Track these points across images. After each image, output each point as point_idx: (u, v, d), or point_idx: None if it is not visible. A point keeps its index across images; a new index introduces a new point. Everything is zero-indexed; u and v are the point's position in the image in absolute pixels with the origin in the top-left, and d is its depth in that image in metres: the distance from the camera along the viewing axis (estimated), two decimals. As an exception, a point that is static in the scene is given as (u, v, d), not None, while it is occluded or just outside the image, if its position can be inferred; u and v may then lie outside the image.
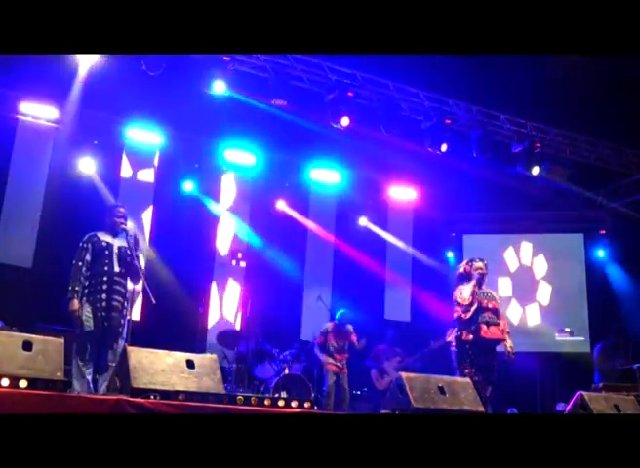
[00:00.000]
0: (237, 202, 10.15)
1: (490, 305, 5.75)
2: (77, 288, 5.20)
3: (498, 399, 8.92)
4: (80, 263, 5.27)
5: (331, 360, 7.77)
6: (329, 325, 8.00)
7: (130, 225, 5.59)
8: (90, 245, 5.34)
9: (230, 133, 9.53)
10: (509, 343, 5.73)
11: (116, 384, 5.41)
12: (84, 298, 5.22)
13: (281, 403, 4.00)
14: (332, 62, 8.16)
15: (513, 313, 11.15)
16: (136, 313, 7.95)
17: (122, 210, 5.60)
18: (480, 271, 5.90)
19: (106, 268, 5.28)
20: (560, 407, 8.33)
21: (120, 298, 5.30)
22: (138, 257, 5.45)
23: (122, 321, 5.30)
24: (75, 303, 5.15)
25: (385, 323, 10.31)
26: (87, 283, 5.26)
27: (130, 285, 5.48)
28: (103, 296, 5.21)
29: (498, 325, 5.74)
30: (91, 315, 5.18)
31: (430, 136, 8.77)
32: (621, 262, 10.87)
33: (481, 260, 5.99)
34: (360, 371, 8.68)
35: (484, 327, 5.70)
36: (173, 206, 9.31)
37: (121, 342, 5.21)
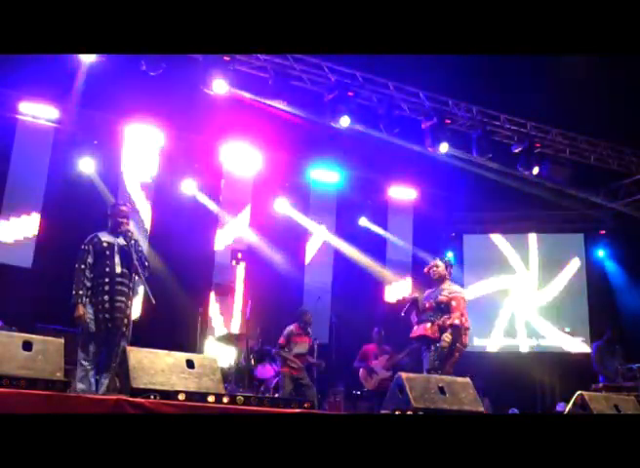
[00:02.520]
0: (237, 202, 10.15)
1: (427, 305, 5.83)
2: (81, 292, 5.15)
3: (498, 399, 8.98)
4: (83, 266, 5.24)
5: (289, 363, 7.53)
6: (294, 326, 7.81)
7: (132, 227, 5.55)
8: (91, 246, 5.31)
9: (230, 132, 9.53)
10: (443, 336, 5.64)
11: (116, 384, 5.40)
12: (87, 300, 5.20)
13: (281, 403, 4.00)
14: (332, 62, 8.16)
15: (513, 313, 11.17)
16: (136, 313, 7.95)
17: (124, 209, 5.55)
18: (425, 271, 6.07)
19: (108, 269, 5.25)
20: (560, 407, 8.32)
21: (123, 298, 5.27)
22: (141, 252, 5.43)
23: (126, 320, 5.29)
24: (80, 308, 5.11)
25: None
26: (90, 284, 5.24)
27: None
28: (106, 298, 5.18)
29: (430, 322, 5.73)
30: (93, 317, 5.15)
31: (430, 136, 8.77)
32: (621, 262, 10.88)
33: (433, 259, 6.16)
34: (352, 374, 8.66)
35: (415, 327, 5.87)
36: (173, 206, 9.31)
37: (123, 342, 5.19)
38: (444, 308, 5.76)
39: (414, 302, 5.95)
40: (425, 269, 6.08)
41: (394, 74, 8.48)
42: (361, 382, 8.54)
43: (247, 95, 8.12)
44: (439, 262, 6.00)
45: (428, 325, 5.73)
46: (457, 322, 5.65)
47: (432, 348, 5.69)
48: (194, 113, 8.48)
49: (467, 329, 5.80)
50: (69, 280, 5.25)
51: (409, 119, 8.89)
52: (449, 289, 5.84)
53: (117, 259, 5.30)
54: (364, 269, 10.42)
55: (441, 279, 5.92)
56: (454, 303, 5.73)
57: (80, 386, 4.98)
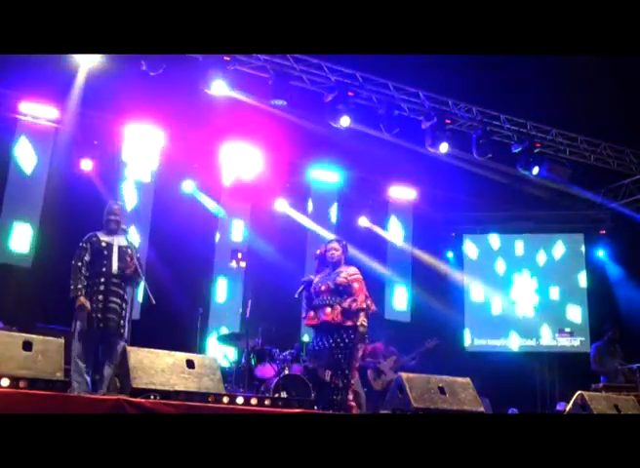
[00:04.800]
0: (237, 202, 10.15)
1: (323, 288, 5.32)
2: (79, 285, 5.17)
3: (498, 399, 8.97)
4: (80, 263, 5.25)
5: None
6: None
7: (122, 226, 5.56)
8: (89, 245, 5.33)
9: (230, 132, 9.52)
10: (360, 321, 5.16)
11: (116, 384, 5.41)
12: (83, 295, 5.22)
13: (281, 403, 4.01)
14: (332, 62, 8.16)
15: (513, 313, 11.16)
16: (136, 313, 7.95)
17: (116, 207, 5.58)
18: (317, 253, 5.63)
19: (104, 269, 5.26)
20: (560, 406, 8.32)
21: (118, 300, 5.26)
22: (137, 258, 5.44)
23: (121, 322, 5.28)
24: (82, 300, 5.12)
25: (385, 323, 10.30)
26: (85, 283, 5.25)
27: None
28: (100, 298, 5.19)
29: (331, 306, 5.23)
30: (86, 315, 5.17)
31: (430, 136, 8.77)
32: (621, 262, 10.87)
33: (328, 243, 5.64)
34: (360, 372, 8.66)
35: (311, 313, 5.36)
36: (173, 206, 9.30)
37: (121, 343, 5.19)
38: (342, 290, 5.28)
39: (309, 285, 5.45)
40: (319, 251, 5.62)
41: (394, 74, 8.48)
42: (369, 382, 8.54)
43: (247, 95, 8.12)
44: (337, 245, 5.56)
45: (328, 309, 5.20)
46: (364, 305, 5.20)
47: (335, 337, 5.14)
48: (194, 113, 8.47)
49: (374, 312, 5.36)
50: (69, 279, 5.26)
51: (409, 119, 8.89)
52: (346, 271, 5.41)
53: (114, 260, 5.31)
54: (364, 269, 10.39)
55: (338, 262, 5.48)
56: (356, 285, 5.29)
57: (75, 384, 4.99)
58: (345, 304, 5.18)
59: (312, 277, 5.52)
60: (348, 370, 5.09)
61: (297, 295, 5.52)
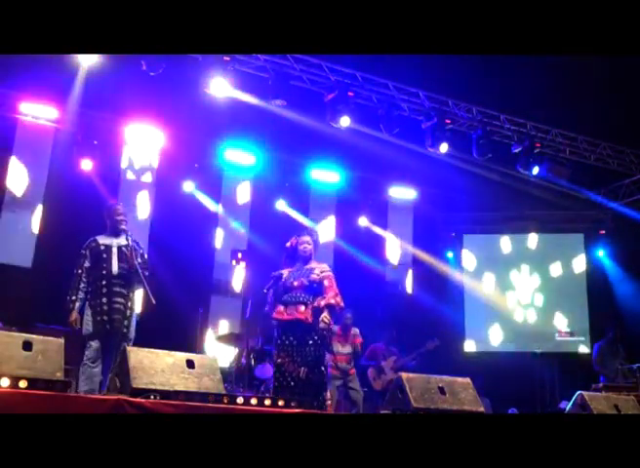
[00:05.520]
0: (237, 202, 10.15)
1: (295, 284, 5.23)
2: (74, 297, 5.20)
3: (498, 399, 8.97)
4: (80, 271, 5.29)
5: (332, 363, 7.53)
6: (336, 327, 7.67)
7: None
8: (88, 251, 5.35)
9: (230, 133, 9.53)
10: (322, 317, 5.06)
11: (116, 384, 5.41)
12: (86, 302, 5.24)
13: (281, 403, 4.00)
14: (332, 62, 8.17)
15: (513, 313, 11.15)
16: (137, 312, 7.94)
17: (119, 207, 5.60)
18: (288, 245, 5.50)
19: (104, 272, 5.27)
20: (564, 405, 8.32)
21: (122, 299, 5.27)
22: (142, 260, 5.43)
23: (126, 322, 5.29)
24: (73, 315, 5.17)
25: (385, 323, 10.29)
26: (89, 288, 5.27)
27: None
28: (104, 300, 5.20)
29: (305, 304, 5.16)
30: (91, 319, 5.19)
31: (430, 136, 8.77)
32: (621, 262, 10.87)
33: (300, 235, 5.53)
34: (359, 371, 8.66)
35: (280, 307, 5.22)
36: (173, 206, 9.30)
37: (126, 343, 5.19)
38: (316, 288, 5.22)
39: (278, 279, 5.33)
40: (289, 244, 5.48)
41: (394, 74, 8.48)
42: (369, 381, 8.54)
43: (247, 95, 8.13)
44: (310, 239, 5.47)
45: (302, 308, 5.12)
46: (332, 302, 5.12)
47: (313, 335, 5.05)
48: (194, 113, 8.47)
49: (342, 308, 5.31)
50: (69, 280, 5.27)
51: (409, 119, 8.89)
52: (319, 267, 5.34)
53: (115, 260, 5.31)
54: (364, 269, 10.40)
55: (310, 257, 5.40)
56: (326, 282, 5.21)
57: (83, 387, 5.01)
58: (316, 303, 5.16)
59: (283, 271, 5.41)
60: (324, 366, 5.09)
61: (265, 290, 5.36)
